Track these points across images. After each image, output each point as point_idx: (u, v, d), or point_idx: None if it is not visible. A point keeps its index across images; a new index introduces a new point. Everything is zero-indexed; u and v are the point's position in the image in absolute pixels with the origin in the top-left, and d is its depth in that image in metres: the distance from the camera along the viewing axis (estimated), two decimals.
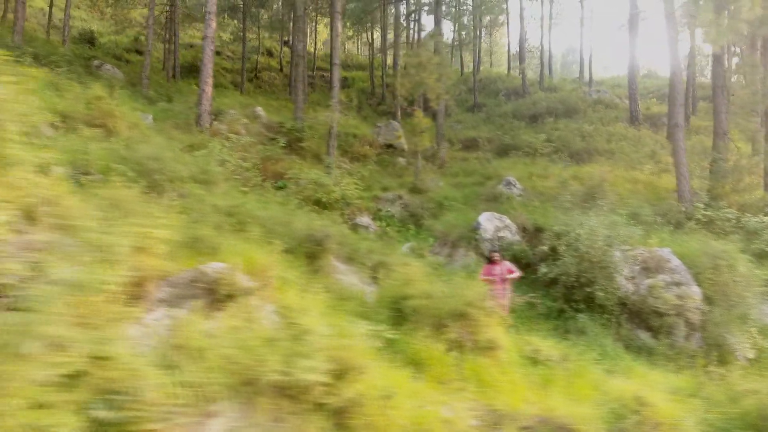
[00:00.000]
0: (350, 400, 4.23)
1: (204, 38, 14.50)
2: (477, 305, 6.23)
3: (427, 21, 58.38)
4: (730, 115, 13.92)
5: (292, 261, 6.74)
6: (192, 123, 14.43)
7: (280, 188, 12.87)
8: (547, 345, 7.14)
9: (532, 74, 34.85)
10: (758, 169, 12.89)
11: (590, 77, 31.21)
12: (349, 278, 7.52)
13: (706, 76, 34.69)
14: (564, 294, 9.30)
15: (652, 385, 6.60)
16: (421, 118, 14.83)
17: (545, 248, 9.72)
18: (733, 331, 8.56)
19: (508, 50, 36.44)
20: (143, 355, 3.46)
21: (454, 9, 23.66)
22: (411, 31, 30.75)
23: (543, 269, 9.30)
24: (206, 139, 13.13)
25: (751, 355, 8.11)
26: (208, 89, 14.43)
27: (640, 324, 9.01)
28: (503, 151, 21.20)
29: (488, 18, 33.02)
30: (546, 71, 33.08)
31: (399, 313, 6.22)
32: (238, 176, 10.87)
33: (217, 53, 39.74)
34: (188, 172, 8.95)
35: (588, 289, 8.95)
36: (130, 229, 4.20)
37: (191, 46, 38.68)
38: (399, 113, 23.66)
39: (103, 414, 3.01)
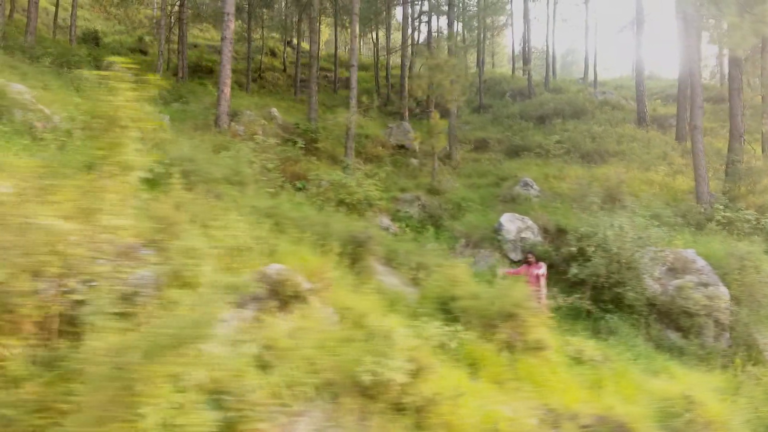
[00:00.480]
0: (427, 399, 4.32)
1: (222, 39, 14.52)
2: (524, 306, 6.32)
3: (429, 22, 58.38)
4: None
5: (337, 262, 6.79)
6: (211, 124, 14.45)
7: (299, 189, 12.90)
8: (589, 345, 7.24)
9: (536, 75, 34.99)
10: None
11: (595, 78, 31.40)
12: (390, 279, 7.58)
13: (706, 78, 34.90)
14: (592, 295, 9.39)
15: (692, 385, 6.72)
16: (437, 119, 14.91)
17: (573, 249, 9.80)
18: (762, 330, 8.70)
19: (513, 51, 36.62)
20: (241, 355, 3.52)
21: (461, 10, 23.69)
22: (417, 32, 30.81)
23: (573, 270, 9.38)
24: (227, 140, 13.17)
25: None
26: (227, 90, 14.45)
27: (669, 324, 9.12)
28: (513, 152, 21.30)
29: (490, 19, 33.07)
30: (550, 73, 33.21)
31: (448, 314, 6.29)
32: (264, 178, 10.90)
33: (219, 52, 39.72)
34: (221, 174, 9.00)
35: (618, 290, 9.06)
36: (217, 232, 4.26)
37: (195, 46, 38.62)
38: (407, 114, 23.74)
39: (213, 414, 3.07)
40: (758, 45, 13.97)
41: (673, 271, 9.76)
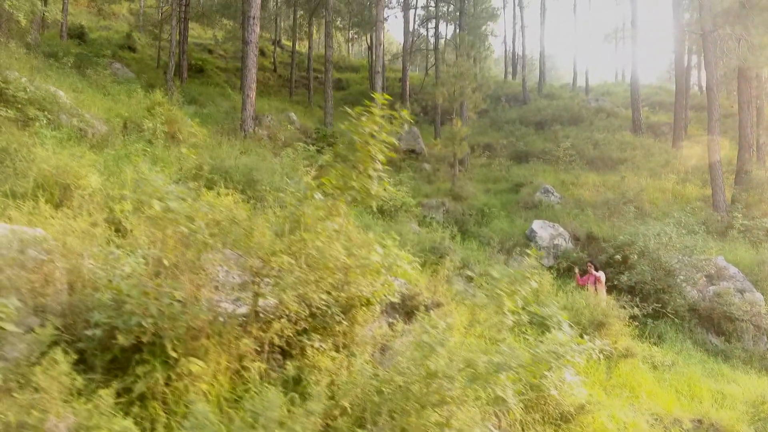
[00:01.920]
0: (577, 408, 4.52)
1: (247, 43, 14.37)
2: (612, 315, 6.59)
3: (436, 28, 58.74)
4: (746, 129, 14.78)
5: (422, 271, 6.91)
6: (236, 128, 14.28)
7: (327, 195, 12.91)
8: (657, 351, 7.59)
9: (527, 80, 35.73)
10: None
11: (587, 85, 32.30)
12: (460, 286, 7.73)
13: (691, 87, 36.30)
14: (637, 301, 9.77)
15: (759, 388, 7.14)
16: (460, 126, 15.14)
17: (618, 257, 10.16)
18: None
19: (505, 57, 37.27)
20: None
21: (470, 18, 24.07)
22: (414, 38, 31.02)
23: (624, 277, 9.73)
24: (256, 146, 13.07)
25: None
26: (252, 94, 14.31)
27: (710, 329, 9.59)
28: (518, 158, 21.80)
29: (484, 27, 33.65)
30: (543, 79, 34.00)
31: (539, 325, 6.49)
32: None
33: (210, 51, 39.10)
34: (282, 182, 8.98)
35: (664, 296, 9.47)
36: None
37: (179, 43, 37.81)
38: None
39: None
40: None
41: (709, 278, 10.26)
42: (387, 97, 3.21)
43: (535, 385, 4.18)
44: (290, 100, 29.74)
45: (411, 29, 27.02)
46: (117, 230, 4.12)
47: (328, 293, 3.06)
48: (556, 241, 12.27)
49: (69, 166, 5.30)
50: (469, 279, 7.84)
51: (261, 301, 3.43)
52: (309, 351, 3.36)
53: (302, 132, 16.64)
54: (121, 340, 2.65)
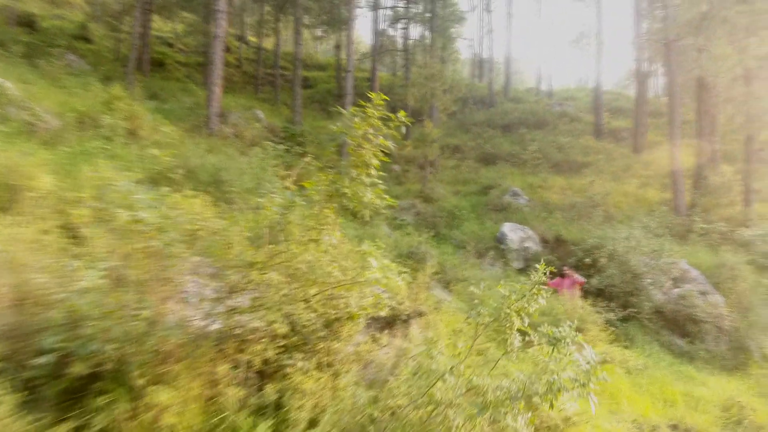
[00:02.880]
0: (563, 419, 4.43)
1: (214, 38, 13.79)
2: (590, 320, 6.58)
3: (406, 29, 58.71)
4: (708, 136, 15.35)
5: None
6: (200, 125, 13.70)
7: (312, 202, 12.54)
8: (631, 355, 7.65)
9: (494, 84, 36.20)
10: (737, 186, 14.41)
11: (551, 90, 32.94)
12: (438, 292, 7.59)
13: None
14: (612, 305, 9.87)
15: (730, 390, 7.31)
16: (431, 128, 15.04)
17: (588, 260, 10.27)
18: (754, 335, 9.58)
19: (472, 60, 37.64)
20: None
21: (442, 20, 24.03)
22: (381, 38, 30.86)
23: (594, 281, 9.83)
24: (222, 144, 12.56)
25: None
26: (218, 90, 13.77)
27: (675, 330, 9.81)
28: (486, 160, 21.95)
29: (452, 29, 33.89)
30: (509, 82, 34.49)
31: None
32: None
33: (169, 45, 37.73)
34: (252, 183, 8.60)
35: (633, 299, 9.62)
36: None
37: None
38: None
39: None
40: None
41: (674, 280, 10.51)
42: (384, 97, 2.97)
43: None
44: (256, 98, 29.01)
45: (379, 29, 26.82)
46: (73, 237, 3.71)
47: (315, 310, 2.80)
48: (526, 244, 12.33)
49: (18, 165, 4.81)
50: (446, 284, 7.71)
51: (238, 317, 3.13)
52: (291, 371, 3.10)
53: (269, 130, 16.15)
54: (78, 368, 2.31)
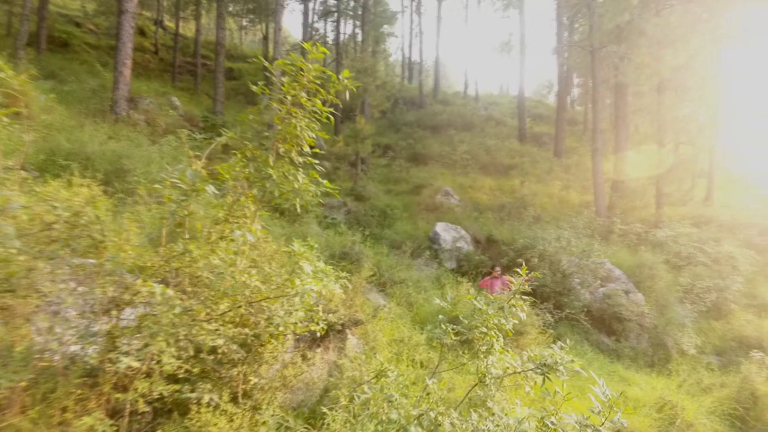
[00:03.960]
0: None
1: (122, 12, 12.30)
2: (529, 323, 6.33)
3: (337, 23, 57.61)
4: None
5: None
6: (105, 110, 12.16)
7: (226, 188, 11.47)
8: (570, 356, 7.54)
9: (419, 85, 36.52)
10: (650, 190, 15.29)
11: (477, 94, 33.72)
12: (374, 296, 7.04)
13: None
14: (550, 306, 9.86)
15: (658, 389, 7.41)
16: (363, 124, 14.51)
17: (520, 261, 10.17)
18: (671, 331, 9.99)
19: (402, 61, 37.69)
20: None
21: (373, 16, 23.56)
22: (311, 32, 29.96)
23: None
24: (127, 130, 11.18)
25: (692, 351, 9.52)
26: (127, 72, 12.30)
27: (602, 329, 10.01)
28: (417, 160, 21.85)
29: (383, 28, 33.74)
30: (437, 85, 34.89)
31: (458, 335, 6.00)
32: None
33: (78, 25, 34.27)
34: (161, 172, 7.54)
35: (563, 299, 9.67)
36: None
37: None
38: None
39: None
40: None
41: (600, 280, 10.75)
42: (323, 49, 2.33)
43: None
44: (173, 86, 26.96)
45: (309, 22, 25.90)
46: None
47: (227, 332, 2.10)
48: (458, 244, 12.15)
49: None
50: (383, 287, 7.18)
51: (123, 341, 2.35)
52: (194, 408, 2.37)
53: (187, 119, 14.80)
54: None
